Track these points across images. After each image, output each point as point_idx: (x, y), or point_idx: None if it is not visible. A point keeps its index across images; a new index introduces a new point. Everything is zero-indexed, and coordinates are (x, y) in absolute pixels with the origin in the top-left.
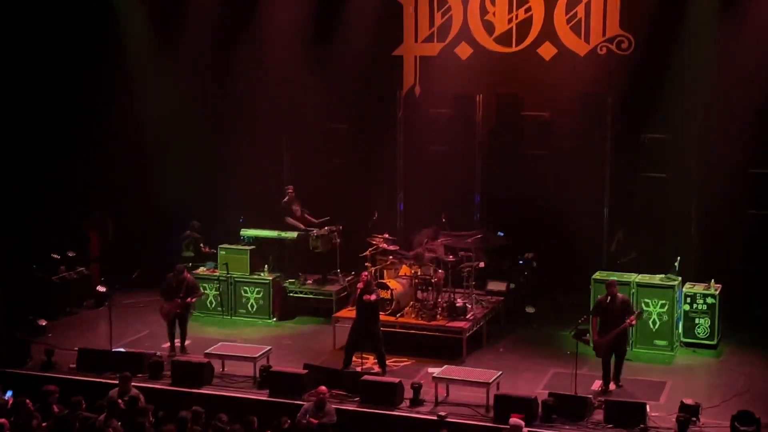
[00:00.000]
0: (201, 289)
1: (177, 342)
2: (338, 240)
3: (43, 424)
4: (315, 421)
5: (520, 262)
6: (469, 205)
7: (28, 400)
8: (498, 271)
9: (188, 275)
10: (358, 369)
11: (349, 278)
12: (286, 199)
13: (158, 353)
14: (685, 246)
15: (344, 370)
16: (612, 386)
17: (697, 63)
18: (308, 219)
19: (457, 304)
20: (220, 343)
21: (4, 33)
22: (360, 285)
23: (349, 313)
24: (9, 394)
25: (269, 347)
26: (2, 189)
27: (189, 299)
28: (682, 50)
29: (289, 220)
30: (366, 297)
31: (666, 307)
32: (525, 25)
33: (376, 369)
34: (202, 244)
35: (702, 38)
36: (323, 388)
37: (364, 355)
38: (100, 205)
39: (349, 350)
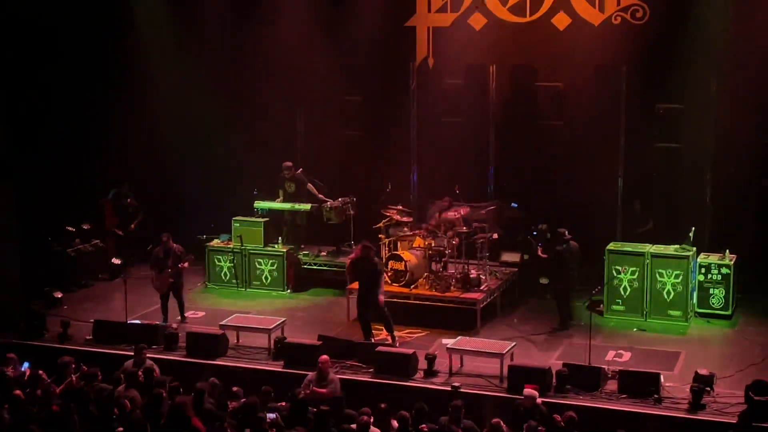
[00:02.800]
0: (188, 253)
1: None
2: (352, 212)
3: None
4: (322, 391)
5: (534, 233)
6: (483, 176)
7: (42, 372)
8: (512, 242)
9: (173, 244)
10: (372, 340)
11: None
12: (283, 174)
13: (173, 325)
14: (700, 216)
15: (361, 342)
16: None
17: (712, 32)
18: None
19: (471, 276)
20: (234, 315)
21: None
22: (352, 256)
23: None
24: (26, 365)
25: (283, 319)
26: (19, 162)
27: (180, 265)
28: (696, 19)
29: (279, 198)
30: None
31: (680, 278)
32: None
33: (389, 341)
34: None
35: (717, 7)
36: (324, 357)
37: (375, 327)
38: (116, 179)
39: (363, 322)
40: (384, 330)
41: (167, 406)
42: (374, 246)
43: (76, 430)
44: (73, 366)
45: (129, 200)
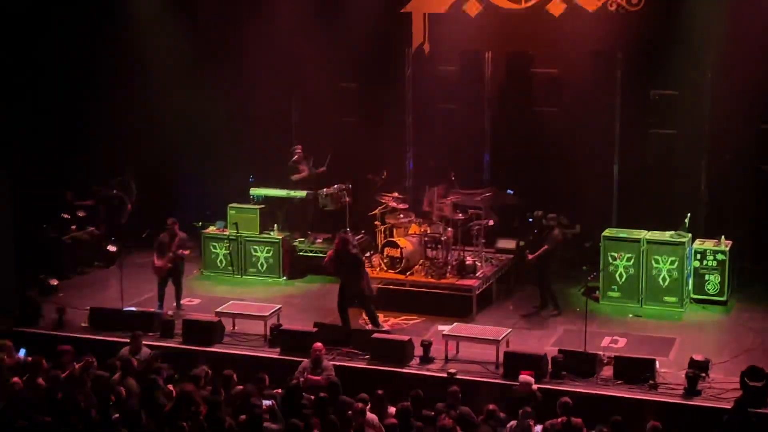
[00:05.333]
0: (190, 242)
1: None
2: (348, 198)
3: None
4: (317, 378)
5: (530, 219)
6: (479, 163)
7: (42, 359)
8: (507, 229)
9: (179, 231)
10: (367, 327)
11: (359, 237)
12: (295, 158)
13: (169, 312)
14: (696, 202)
15: (352, 329)
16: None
17: (708, 18)
18: (317, 172)
19: (467, 262)
20: (230, 302)
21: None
22: (331, 251)
23: None
24: (22, 352)
25: (279, 306)
26: (14, 149)
27: (180, 251)
28: (692, 5)
29: (295, 177)
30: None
31: (676, 264)
32: None
33: (369, 327)
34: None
35: None
36: (318, 344)
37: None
38: (112, 166)
39: (341, 309)
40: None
41: (163, 394)
42: (351, 235)
43: (79, 419)
44: (70, 356)
45: (114, 191)
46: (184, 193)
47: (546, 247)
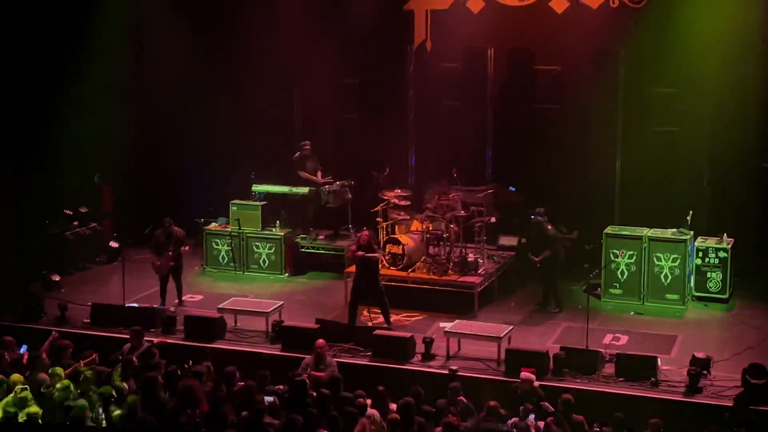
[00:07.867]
0: (189, 239)
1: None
2: (350, 195)
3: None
4: (320, 375)
5: (532, 216)
6: (481, 160)
7: (44, 354)
8: (509, 226)
9: (176, 228)
10: (369, 324)
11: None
12: (297, 155)
13: (171, 308)
14: (698, 200)
15: (355, 326)
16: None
17: (710, 15)
18: (318, 178)
19: (469, 259)
20: (232, 299)
21: None
22: (357, 244)
23: None
24: (24, 348)
25: (281, 302)
26: (17, 146)
27: (182, 249)
28: (694, 2)
29: (303, 174)
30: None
31: (678, 261)
32: None
33: (371, 324)
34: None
35: None
36: (321, 341)
37: (373, 310)
38: (112, 162)
39: (353, 307)
40: (381, 315)
41: (164, 389)
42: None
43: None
44: (71, 350)
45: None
46: (186, 190)
47: (548, 252)
